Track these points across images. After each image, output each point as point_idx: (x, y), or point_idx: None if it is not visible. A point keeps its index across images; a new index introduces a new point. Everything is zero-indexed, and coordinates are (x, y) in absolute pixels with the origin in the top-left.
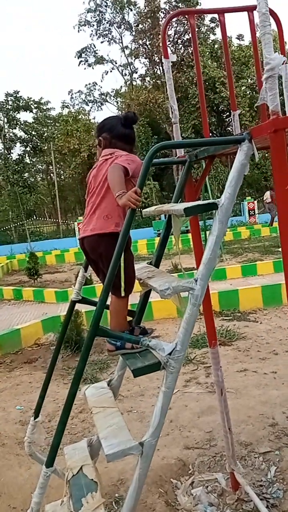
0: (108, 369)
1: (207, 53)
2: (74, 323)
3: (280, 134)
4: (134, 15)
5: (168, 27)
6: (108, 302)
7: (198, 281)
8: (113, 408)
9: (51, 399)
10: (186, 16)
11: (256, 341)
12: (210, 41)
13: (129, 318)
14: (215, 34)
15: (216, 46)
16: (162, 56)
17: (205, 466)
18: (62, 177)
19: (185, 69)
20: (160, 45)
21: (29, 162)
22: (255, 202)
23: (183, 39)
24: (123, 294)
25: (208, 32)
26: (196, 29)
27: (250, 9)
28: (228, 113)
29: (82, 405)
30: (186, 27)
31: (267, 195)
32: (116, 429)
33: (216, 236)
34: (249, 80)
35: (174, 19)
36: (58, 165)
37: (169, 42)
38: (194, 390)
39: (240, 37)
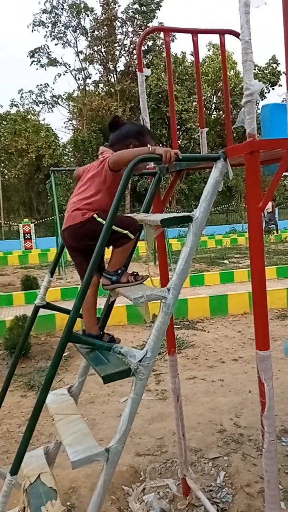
0: (56, 376)
1: (161, 66)
2: (21, 328)
3: (255, 156)
4: (91, 21)
5: (143, 43)
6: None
7: (170, 290)
8: (76, 415)
9: None
10: (158, 33)
11: (204, 350)
12: (165, 54)
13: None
14: (171, 48)
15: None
16: (137, 70)
17: (156, 472)
18: (7, 176)
19: None
20: (115, 53)
21: None
22: None
23: None
24: (132, 236)
25: (164, 46)
26: (151, 43)
27: (222, 33)
28: (179, 126)
29: (29, 412)
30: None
31: (269, 205)
32: (81, 435)
33: (189, 247)
34: None
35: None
36: (3, 164)
37: (124, 52)
38: (145, 397)
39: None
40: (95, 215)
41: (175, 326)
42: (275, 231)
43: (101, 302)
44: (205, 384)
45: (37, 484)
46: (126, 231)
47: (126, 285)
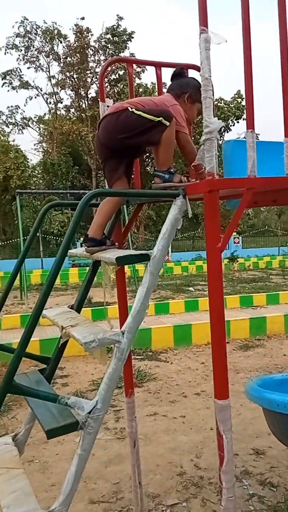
0: None
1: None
2: None
3: (214, 195)
4: (64, 47)
5: (105, 72)
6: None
7: (125, 333)
8: (18, 470)
9: None
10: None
11: (167, 383)
12: (136, 84)
13: (42, 366)
14: (141, 78)
15: (140, 90)
16: (99, 99)
17: None
18: None
19: None
20: (87, 80)
21: None
22: None
23: (110, 79)
24: (167, 123)
25: (135, 76)
26: (122, 72)
27: (185, 67)
28: None
29: None
30: (112, 67)
31: None
32: (21, 495)
33: (146, 288)
34: None
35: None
36: None
37: (96, 79)
38: (103, 437)
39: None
40: (129, 107)
41: (138, 357)
42: None
43: (43, 333)
44: (166, 421)
45: None
46: (159, 118)
47: (177, 184)
